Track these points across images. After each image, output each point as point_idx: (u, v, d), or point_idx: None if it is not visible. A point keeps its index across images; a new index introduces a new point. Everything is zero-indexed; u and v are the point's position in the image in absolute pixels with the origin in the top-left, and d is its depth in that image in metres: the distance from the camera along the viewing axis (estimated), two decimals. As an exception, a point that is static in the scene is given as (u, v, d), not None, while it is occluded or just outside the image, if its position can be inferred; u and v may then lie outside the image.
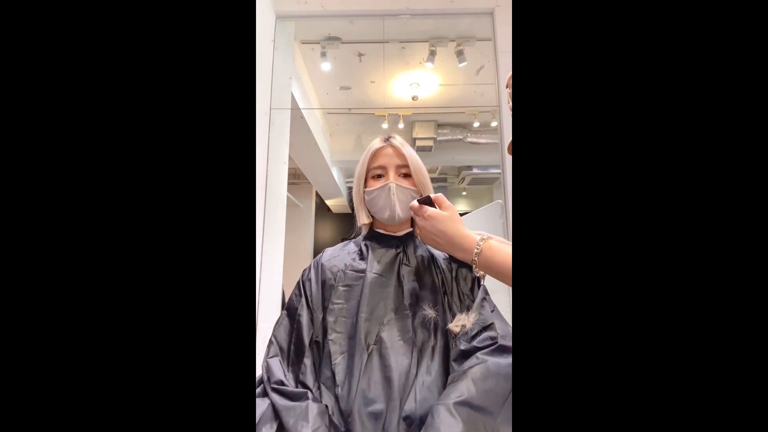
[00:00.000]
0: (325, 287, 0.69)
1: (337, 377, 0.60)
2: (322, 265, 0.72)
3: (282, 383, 0.60)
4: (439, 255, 0.74)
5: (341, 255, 0.73)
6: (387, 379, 0.58)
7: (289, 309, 0.70)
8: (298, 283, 0.72)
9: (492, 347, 0.59)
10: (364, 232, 0.77)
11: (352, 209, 0.79)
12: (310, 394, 0.58)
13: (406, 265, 0.70)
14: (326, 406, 0.58)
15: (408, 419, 0.56)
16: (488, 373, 0.55)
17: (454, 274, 0.71)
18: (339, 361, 0.61)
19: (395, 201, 0.70)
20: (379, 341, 0.61)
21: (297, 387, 0.60)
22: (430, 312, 0.64)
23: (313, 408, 0.55)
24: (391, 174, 0.71)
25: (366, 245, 0.73)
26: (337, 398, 0.58)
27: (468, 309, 0.66)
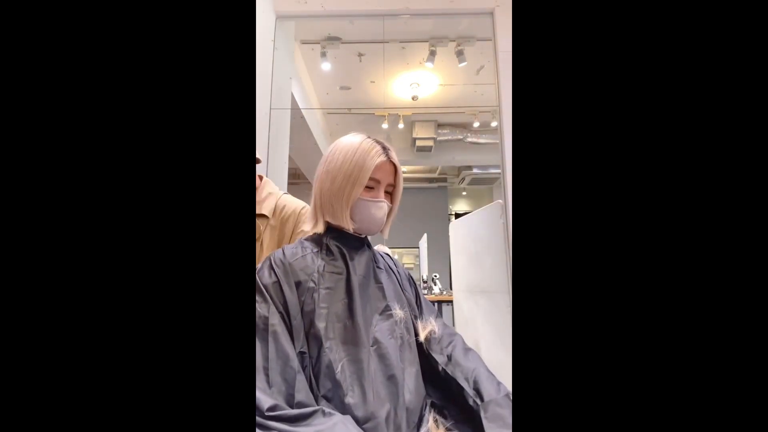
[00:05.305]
0: (300, 289, 0.62)
1: (344, 385, 0.56)
2: (290, 264, 0.64)
3: (277, 408, 0.50)
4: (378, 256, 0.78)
5: (307, 254, 0.66)
6: (391, 378, 0.59)
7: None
8: (259, 288, 0.61)
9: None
10: (320, 230, 0.70)
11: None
12: (324, 409, 0.52)
13: (377, 267, 0.72)
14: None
15: (407, 410, 0.59)
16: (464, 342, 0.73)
17: (398, 269, 0.78)
18: (342, 369, 0.58)
19: (383, 218, 0.70)
20: (375, 342, 0.62)
21: (294, 408, 0.52)
22: (400, 312, 0.68)
23: (347, 422, 0.50)
24: (381, 190, 0.68)
25: (337, 246, 0.68)
26: (347, 407, 0.55)
27: (419, 308, 0.76)
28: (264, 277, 0.62)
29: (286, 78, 2.48)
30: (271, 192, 1.06)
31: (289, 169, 2.46)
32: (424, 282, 3.93)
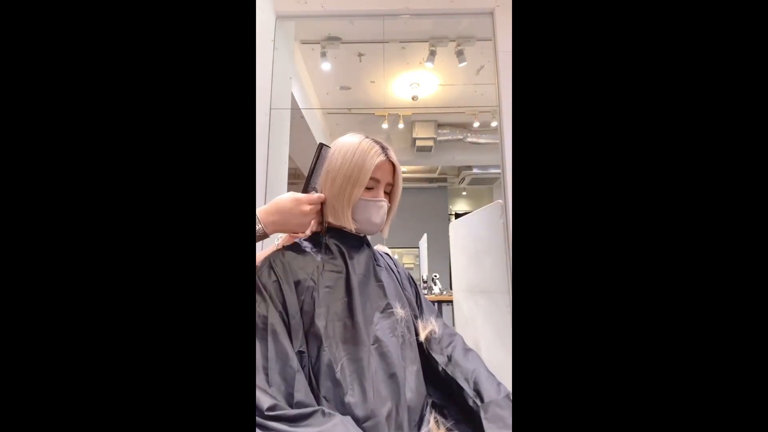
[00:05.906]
0: (299, 288, 0.62)
1: (343, 384, 0.56)
2: (290, 263, 0.64)
3: (277, 407, 0.50)
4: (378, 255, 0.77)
5: (306, 253, 0.67)
6: (392, 376, 0.59)
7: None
8: (258, 288, 0.60)
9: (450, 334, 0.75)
10: (320, 229, 0.70)
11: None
12: (324, 409, 0.51)
13: (377, 265, 0.72)
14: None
15: (409, 409, 0.59)
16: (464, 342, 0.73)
17: (398, 269, 0.79)
18: (342, 368, 0.58)
19: (384, 218, 0.70)
20: (376, 341, 0.62)
21: (293, 407, 0.52)
22: (401, 311, 0.68)
23: (347, 423, 0.50)
24: (381, 189, 0.68)
25: (336, 245, 0.68)
26: (347, 406, 0.55)
27: (419, 307, 0.76)
28: (263, 276, 0.62)
29: (286, 78, 2.47)
30: None
31: (289, 169, 2.45)
32: (424, 282, 3.93)
